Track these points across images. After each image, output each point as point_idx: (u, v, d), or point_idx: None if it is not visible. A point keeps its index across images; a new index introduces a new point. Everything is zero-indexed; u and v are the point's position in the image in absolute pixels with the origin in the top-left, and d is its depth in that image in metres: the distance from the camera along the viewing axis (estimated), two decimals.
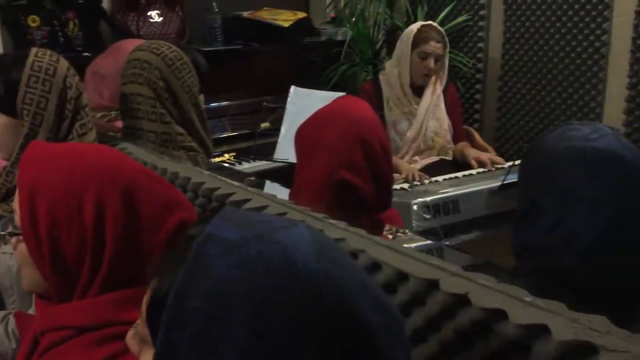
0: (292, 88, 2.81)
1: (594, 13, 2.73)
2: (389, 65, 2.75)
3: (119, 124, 1.79)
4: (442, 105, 2.73)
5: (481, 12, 3.18)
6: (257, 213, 0.58)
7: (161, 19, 3.00)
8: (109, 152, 0.94)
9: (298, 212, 1.01)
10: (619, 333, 0.63)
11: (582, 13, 2.77)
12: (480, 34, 3.22)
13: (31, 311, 1.15)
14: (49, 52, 1.44)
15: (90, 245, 0.85)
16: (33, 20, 2.61)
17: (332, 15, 3.60)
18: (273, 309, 0.49)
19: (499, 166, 2.49)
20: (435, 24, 2.71)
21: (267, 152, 2.80)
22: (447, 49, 2.65)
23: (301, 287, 0.50)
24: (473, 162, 2.57)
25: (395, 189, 2.29)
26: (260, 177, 2.56)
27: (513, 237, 0.96)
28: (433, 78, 2.68)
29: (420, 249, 1.89)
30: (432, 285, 0.77)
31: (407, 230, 1.89)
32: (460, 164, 2.67)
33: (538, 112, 3.05)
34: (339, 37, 3.39)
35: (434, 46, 2.57)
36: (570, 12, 2.81)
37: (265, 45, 3.19)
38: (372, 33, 3.37)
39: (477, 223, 2.18)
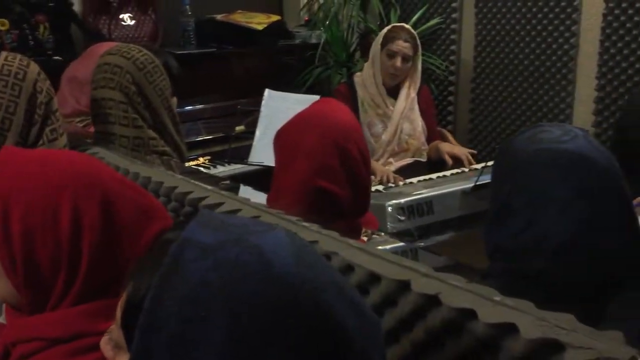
0: (267, 91, 2.81)
1: (562, 16, 2.78)
2: (365, 66, 2.77)
3: None
4: (416, 107, 2.75)
5: (453, 15, 3.22)
6: (234, 217, 0.58)
7: (133, 22, 2.97)
8: (85, 161, 0.91)
9: (271, 215, 1.01)
10: (585, 330, 0.65)
11: (551, 16, 2.82)
12: (452, 36, 3.26)
13: (1, 319, 1.13)
14: (19, 56, 1.42)
15: (66, 257, 0.82)
16: (2, 24, 2.57)
17: (306, 18, 3.61)
18: (249, 313, 0.49)
19: (472, 167, 2.52)
20: (406, 25, 2.74)
21: (241, 155, 2.80)
22: (419, 52, 2.67)
23: (278, 291, 0.50)
24: (447, 158, 2.60)
25: (371, 191, 2.31)
26: (235, 181, 2.56)
27: (485, 237, 0.97)
28: (407, 82, 2.71)
29: (394, 251, 1.90)
30: (404, 286, 0.78)
31: (381, 233, 1.90)
32: (434, 165, 2.69)
33: (510, 113, 3.09)
34: (313, 40, 3.40)
35: (400, 45, 2.60)
36: (539, 15, 2.86)
37: (239, 48, 3.18)
38: (346, 36, 3.38)
39: (451, 224, 2.21)
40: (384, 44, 2.63)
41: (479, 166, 2.50)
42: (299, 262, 0.52)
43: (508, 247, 0.92)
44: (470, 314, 0.70)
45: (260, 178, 2.40)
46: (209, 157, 2.88)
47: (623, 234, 0.90)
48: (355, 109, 2.71)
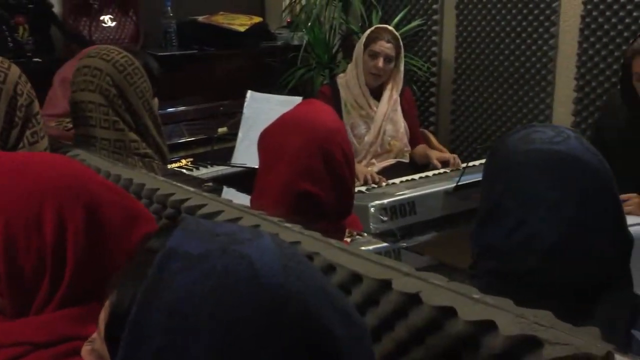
0: (249, 92, 2.81)
1: (542, 18, 2.81)
2: (349, 67, 2.78)
3: None
4: (399, 109, 2.77)
5: (434, 17, 3.25)
6: (220, 224, 0.57)
7: (114, 23, 2.96)
8: (69, 165, 0.90)
9: (253, 217, 1.02)
10: (563, 327, 0.66)
11: (530, 18, 2.85)
12: (434, 38, 3.28)
13: None
14: None
15: (50, 261, 0.82)
16: None
17: (288, 20, 3.61)
18: (237, 325, 0.48)
19: (454, 168, 2.55)
20: (389, 26, 2.76)
21: (224, 157, 2.80)
22: (401, 54, 2.69)
23: (265, 302, 0.49)
24: (436, 163, 2.61)
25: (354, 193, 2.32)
26: (218, 183, 2.55)
27: (475, 237, 0.97)
28: (390, 84, 2.72)
29: (377, 252, 1.91)
30: (385, 285, 0.79)
31: (364, 234, 1.91)
32: (417, 166, 2.71)
33: (490, 114, 3.12)
34: (295, 42, 3.41)
35: (383, 46, 2.62)
36: (519, 17, 2.89)
37: (222, 49, 3.18)
38: (328, 37, 3.39)
39: (433, 224, 2.22)
40: (366, 44, 2.65)
41: (460, 167, 2.53)
42: (286, 271, 0.52)
43: (499, 247, 0.91)
44: (451, 312, 0.71)
45: (243, 179, 2.40)
46: (191, 159, 2.88)
47: (613, 235, 0.90)
48: (338, 110, 2.72)
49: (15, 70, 1.40)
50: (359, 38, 2.79)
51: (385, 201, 2.13)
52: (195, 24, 3.18)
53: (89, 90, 1.57)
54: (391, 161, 2.77)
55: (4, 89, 1.36)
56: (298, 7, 3.53)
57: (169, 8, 3.08)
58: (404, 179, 2.46)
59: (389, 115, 2.73)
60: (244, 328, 0.48)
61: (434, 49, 3.29)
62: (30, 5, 2.68)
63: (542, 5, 2.80)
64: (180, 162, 2.85)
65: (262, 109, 2.63)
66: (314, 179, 1.28)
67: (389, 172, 2.61)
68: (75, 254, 0.82)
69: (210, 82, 3.17)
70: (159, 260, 0.51)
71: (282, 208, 1.23)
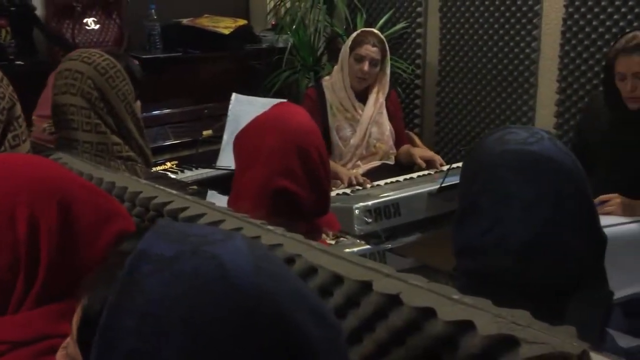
0: (234, 95, 2.81)
1: (524, 20, 2.84)
2: (335, 70, 2.79)
3: None
4: (385, 112, 2.78)
5: (418, 20, 3.26)
6: (192, 225, 0.57)
7: (98, 26, 2.94)
8: (43, 164, 0.91)
9: (236, 219, 1.02)
10: (540, 326, 0.67)
11: (513, 20, 2.88)
12: (418, 40, 3.30)
13: None
14: None
15: (24, 259, 0.82)
16: None
17: (273, 22, 3.61)
18: (208, 326, 0.48)
19: (438, 169, 2.56)
20: (375, 30, 2.77)
21: (209, 159, 2.79)
22: (387, 57, 2.70)
23: (237, 303, 0.49)
24: (420, 162, 2.63)
25: (338, 194, 2.32)
26: (203, 185, 2.55)
27: (453, 237, 0.98)
28: (376, 87, 2.73)
29: (362, 254, 1.92)
30: (366, 286, 0.79)
31: (347, 235, 1.92)
32: (402, 167, 2.72)
33: (474, 116, 3.14)
34: (280, 44, 3.41)
35: (368, 49, 2.63)
36: (502, 20, 2.92)
37: (206, 52, 3.18)
38: (312, 40, 3.40)
39: (417, 225, 2.23)
40: (352, 48, 2.66)
41: (444, 168, 2.54)
42: (258, 271, 0.52)
43: (474, 246, 0.93)
44: (430, 313, 0.72)
45: (227, 182, 2.39)
46: (176, 162, 2.87)
47: (585, 235, 0.92)
48: (324, 112, 2.72)
49: None
50: (344, 41, 2.80)
51: (369, 203, 2.14)
52: (179, 26, 3.18)
53: (71, 94, 1.57)
54: (376, 163, 2.78)
55: None
56: (283, 10, 3.53)
57: (153, 11, 3.07)
58: (388, 180, 2.47)
59: (374, 118, 2.74)
60: (216, 329, 0.48)
61: (418, 51, 3.31)
62: (13, 8, 2.66)
63: (524, 8, 2.83)
64: (165, 164, 2.84)
65: (247, 112, 2.63)
66: (290, 177, 1.29)
67: (374, 174, 2.62)
68: (49, 251, 0.82)
69: (195, 84, 3.17)
70: (130, 263, 0.51)
71: (260, 208, 1.24)
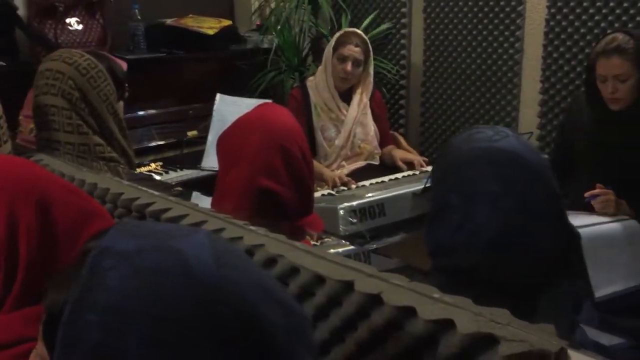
0: (218, 95, 2.81)
1: (507, 21, 2.86)
2: (318, 71, 2.79)
3: None
4: (369, 112, 2.79)
5: (403, 20, 3.28)
6: (157, 223, 0.58)
7: (81, 26, 2.92)
8: (22, 164, 0.91)
9: (219, 220, 1.02)
10: (519, 324, 0.68)
11: (496, 21, 2.90)
12: (402, 41, 3.31)
13: None
14: None
15: (2, 260, 0.82)
16: None
17: (258, 23, 3.61)
18: (171, 318, 0.49)
19: (423, 169, 2.57)
20: (358, 30, 2.78)
21: (194, 160, 2.78)
22: (371, 57, 2.70)
23: (200, 295, 0.50)
24: (400, 164, 2.65)
25: (323, 195, 2.33)
26: (188, 186, 2.54)
27: (426, 237, 1.00)
28: (360, 88, 2.74)
29: (347, 254, 1.92)
30: (348, 286, 0.80)
31: (331, 236, 1.92)
32: (387, 168, 2.73)
33: (459, 116, 3.16)
34: (265, 45, 3.40)
35: (351, 49, 2.64)
36: (485, 21, 2.93)
37: (191, 53, 3.16)
38: (297, 40, 3.40)
39: (402, 225, 2.24)
40: (335, 48, 2.67)
41: (429, 168, 2.55)
42: (220, 263, 0.52)
43: (447, 244, 0.95)
44: (411, 312, 0.72)
45: (213, 183, 2.39)
46: (161, 163, 2.86)
47: (552, 229, 0.94)
48: (308, 113, 2.73)
49: None
50: (329, 41, 2.80)
51: (354, 203, 2.15)
52: (163, 27, 3.16)
53: (52, 94, 1.55)
54: (361, 164, 2.78)
55: None
56: (267, 10, 3.53)
57: (136, 11, 3.05)
58: (373, 181, 2.48)
59: (359, 118, 2.75)
60: (179, 320, 0.49)
61: (402, 52, 3.32)
62: None
63: (507, 9, 2.85)
64: (149, 166, 2.83)
65: (232, 112, 2.62)
66: (274, 177, 1.29)
67: (359, 175, 2.63)
68: (28, 251, 0.82)
69: (180, 85, 3.15)
70: (92, 259, 0.52)
71: (244, 208, 1.24)
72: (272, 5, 3.50)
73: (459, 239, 0.93)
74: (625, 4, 2.46)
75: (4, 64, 2.53)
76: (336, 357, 0.80)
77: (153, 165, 2.84)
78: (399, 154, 2.73)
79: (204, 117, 2.89)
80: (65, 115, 1.55)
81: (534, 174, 0.95)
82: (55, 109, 1.55)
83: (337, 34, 2.71)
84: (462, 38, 3.04)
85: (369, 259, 2.10)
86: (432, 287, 0.76)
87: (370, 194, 2.24)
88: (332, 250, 1.89)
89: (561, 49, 2.69)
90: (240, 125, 1.38)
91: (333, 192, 2.38)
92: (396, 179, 2.51)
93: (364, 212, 2.18)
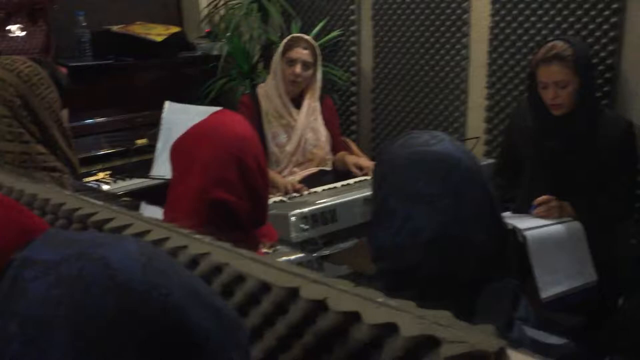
0: (167, 103, 2.77)
1: (453, 29, 2.92)
2: (268, 78, 2.79)
3: None
4: (320, 117, 2.80)
5: (352, 28, 3.31)
6: (82, 232, 0.57)
7: (24, 33, 2.84)
8: None
9: (163, 229, 1.00)
10: (460, 326, 0.69)
11: (443, 29, 2.96)
12: (352, 48, 3.34)
13: None
14: None
15: None
16: None
17: (207, 29, 3.58)
18: (94, 327, 0.48)
19: (369, 176, 2.59)
20: (305, 35, 2.80)
21: (144, 169, 2.74)
22: (318, 60, 2.72)
23: (125, 301, 0.49)
24: (354, 169, 2.67)
25: (275, 201, 2.32)
26: (137, 195, 2.49)
27: (369, 242, 1.02)
28: (309, 92, 2.75)
29: (299, 262, 1.92)
30: (293, 293, 0.80)
31: (283, 244, 1.91)
32: (340, 173, 2.75)
33: (409, 122, 3.20)
34: (215, 52, 3.38)
35: (299, 52, 2.66)
36: (432, 28, 2.99)
37: (138, 60, 3.12)
38: (248, 47, 3.39)
39: (354, 231, 2.26)
40: (284, 52, 2.68)
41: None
42: (147, 270, 0.52)
43: (388, 247, 0.97)
44: (355, 317, 0.72)
45: (162, 192, 2.36)
46: (109, 172, 2.80)
47: (488, 227, 0.98)
48: (258, 119, 2.72)
49: None
50: None
51: (306, 210, 2.15)
52: (110, 33, 3.11)
53: None
54: (313, 170, 2.79)
55: None
56: (217, 17, 3.51)
57: (81, 17, 2.99)
58: (325, 187, 2.49)
59: (309, 123, 2.76)
60: (103, 327, 0.48)
61: (353, 58, 3.35)
62: None
63: (453, 17, 2.91)
64: (97, 175, 2.77)
65: (181, 120, 2.60)
66: (227, 187, 1.28)
67: (311, 181, 2.64)
68: None
69: (129, 92, 3.11)
70: (13, 270, 0.51)
71: (196, 218, 1.22)
72: (222, 12, 3.48)
73: (400, 241, 0.95)
74: (564, 12, 2.54)
75: None
76: None
77: (101, 174, 2.79)
78: (351, 160, 2.75)
79: (153, 124, 2.85)
80: (5, 124, 1.50)
81: (468, 175, 0.99)
82: None
83: (285, 39, 2.73)
84: (410, 45, 3.09)
85: (321, 267, 2.11)
86: (377, 292, 0.77)
87: (322, 200, 2.25)
88: (283, 258, 1.89)
89: (505, 56, 2.76)
90: (196, 133, 1.36)
91: (285, 199, 2.38)
92: (348, 184, 2.52)
93: (316, 218, 2.18)
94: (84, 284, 0.49)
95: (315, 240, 2.17)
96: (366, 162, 2.70)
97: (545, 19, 2.60)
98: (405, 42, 3.10)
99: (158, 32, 3.14)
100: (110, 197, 1.92)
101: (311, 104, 2.76)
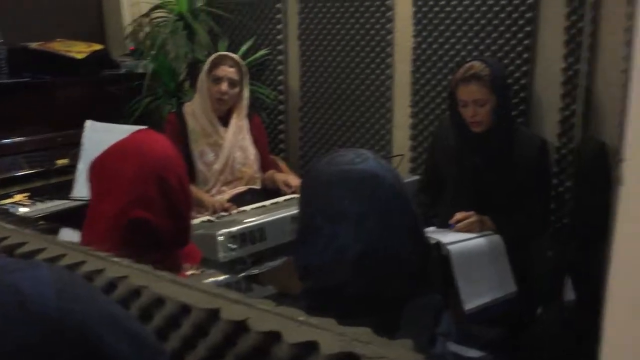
0: (88, 122, 2.70)
1: (378, 49, 2.99)
2: (195, 96, 2.77)
3: None
4: (248, 136, 2.79)
5: (279, 47, 3.33)
6: None
7: None
8: None
9: (79, 253, 0.97)
10: (380, 342, 0.70)
11: (367, 49, 3.02)
12: (279, 67, 3.36)
13: None
14: None
15: None
16: None
17: (132, 47, 3.51)
18: (6, 353, 0.47)
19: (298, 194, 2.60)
20: (231, 53, 2.79)
21: (64, 190, 2.65)
22: (245, 78, 2.72)
23: (38, 328, 0.48)
24: (283, 187, 2.66)
25: (202, 221, 2.28)
26: (57, 218, 2.40)
27: (295, 260, 1.02)
28: (236, 111, 2.74)
29: (226, 283, 1.89)
30: (214, 314, 0.78)
31: (209, 265, 1.88)
32: (269, 192, 2.74)
33: (336, 140, 3.24)
34: (140, 70, 3.32)
35: (225, 70, 2.65)
36: (357, 48, 3.05)
37: (58, 77, 3.02)
38: (174, 66, 3.35)
39: (283, 249, 2.24)
40: (209, 70, 2.66)
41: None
42: (62, 296, 0.51)
43: (315, 265, 0.97)
44: (276, 336, 0.72)
45: (83, 214, 2.28)
46: (28, 194, 2.69)
47: (411, 244, 1.00)
48: (185, 138, 2.69)
49: None
50: None
51: (233, 229, 2.13)
52: (27, 50, 3.00)
53: None
54: (242, 188, 2.77)
55: None
56: (142, 35, 3.45)
57: None
58: (254, 205, 2.47)
59: (238, 142, 2.74)
60: (15, 355, 0.47)
61: (280, 77, 3.37)
62: None
63: (377, 38, 2.98)
64: (14, 197, 2.66)
65: (104, 139, 2.50)
66: (148, 205, 1.25)
67: (240, 200, 2.61)
68: None
69: (48, 111, 3.00)
70: None
71: (115, 238, 1.19)
72: (147, 29, 3.42)
73: (326, 259, 0.95)
74: (481, 34, 2.65)
75: None
76: None
77: (18, 196, 2.67)
78: (281, 177, 2.75)
79: (75, 144, 2.76)
80: None
81: (392, 192, 1.00)
82: None
83: (211, 57, 2.71)
84: (337, 64, 3.13)
85: (248, 287, 2.08)
86: (298, 311, 0.77)
87: (250, 219, 2.23)
88: (210, 279, 1.86)
89: (427, 76, 2.85)
90: (116, 151, 1.33)
91: (212, 219, 2.34)
92: (277, 202, 2.52)
93: (244, 237, 2.16)
94: None
95: (244, 259, 2.14)
96: (295, 180, 2.70)
97: (464, 40, 2.71)
98: (332, 62, 3.15)
99: (79, 50, 3.05)
100: (25, 221, 1.83)
101: (238, 122, 2.75)
